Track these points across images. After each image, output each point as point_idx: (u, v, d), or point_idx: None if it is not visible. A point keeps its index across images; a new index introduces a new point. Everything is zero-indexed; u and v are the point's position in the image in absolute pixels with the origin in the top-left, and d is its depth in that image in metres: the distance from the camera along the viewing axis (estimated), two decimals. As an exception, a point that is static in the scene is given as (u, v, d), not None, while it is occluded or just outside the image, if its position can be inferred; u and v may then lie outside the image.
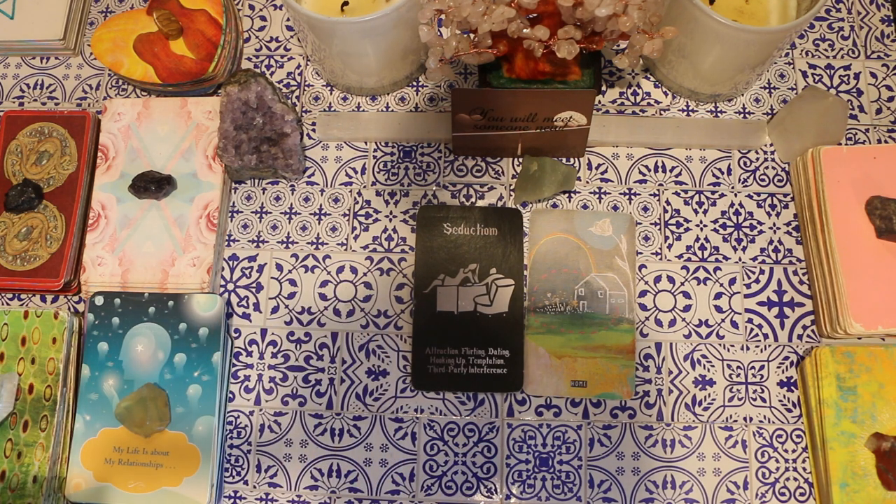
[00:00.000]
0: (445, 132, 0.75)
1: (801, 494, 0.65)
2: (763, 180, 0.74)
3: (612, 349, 0.68)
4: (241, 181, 0.76)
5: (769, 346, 0.69)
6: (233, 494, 0.67)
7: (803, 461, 0.66)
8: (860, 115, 0.76)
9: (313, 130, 0.77)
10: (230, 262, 0.73)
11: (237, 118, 0.71)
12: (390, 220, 0.74)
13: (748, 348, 0.69)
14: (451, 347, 0.68)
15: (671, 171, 0.74)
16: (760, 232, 0.72)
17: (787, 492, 0.65)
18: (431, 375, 0.68)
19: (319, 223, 0.74)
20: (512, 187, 0.74)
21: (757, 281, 0.71)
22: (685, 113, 0.76)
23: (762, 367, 0.68)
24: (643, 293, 0.71)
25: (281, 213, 0.74)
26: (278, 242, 0.73)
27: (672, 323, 0.70)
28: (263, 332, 0.71)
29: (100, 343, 0.67)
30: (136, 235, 0.71)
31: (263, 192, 0.75)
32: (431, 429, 0.68)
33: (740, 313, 0.70)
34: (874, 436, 0.63)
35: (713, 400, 0.68)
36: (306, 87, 0.79)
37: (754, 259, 0.71)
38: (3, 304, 0.74)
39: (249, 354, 0.70)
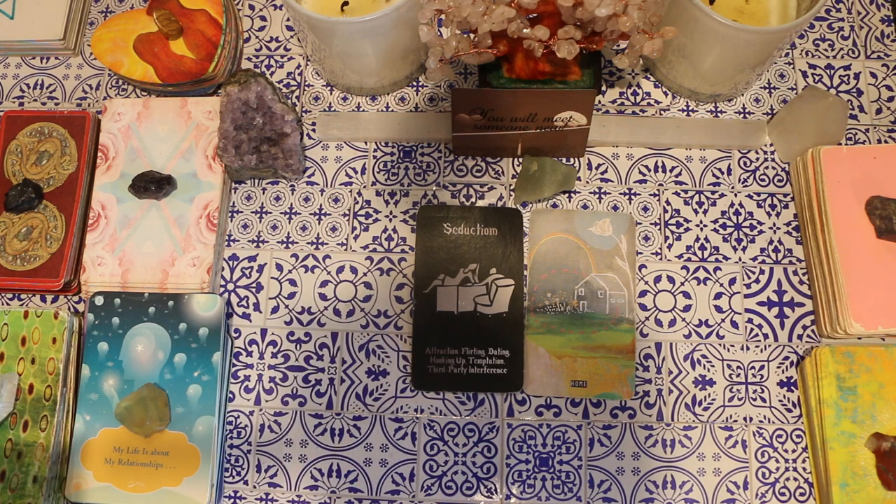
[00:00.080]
0: (445, 132, 0.75)
1: (801, 494, 0.65)
2: (763, 180, 0.74)
3: (612, 349, 0.68)
4: (241, 181, 0.75)
5: (769, 346, 0.69)
6: (233, 494, 0.67)
7: (803, 461, 0.66)
8: (860, 115, 0.76)
9: (313, 130, 0.77)
10: (230, 262, 0.73)
11: (237, 118, 0.71)
12: (390, 220, 0.74)
13: (748, 348, 0.69)
14: (451, 347, 0.68)
15: (671, 171, 0.74)
16: (760, 232, 0.72)
17: (787, 492, 0.65)
18: (431, 375, 0.68)
19: (319, 223, 0.74)
20: (512, 187, 0.74)
21: (757, 281, 0.71)
22: (685, 113, 0.76)
23: (762, 368, 0.68)
24: (643, 293, 0.70)
25: (281, 213, 0.74)
26: (278, 242, 0.73)
27: (672, 323, 0.70)
28: (263, 332, 0.71)
29: (100, 343, 0.67)
30: (136, 235, 0.71)
31: (263, 192, 0.75)
32: (431, 429, 0.68)
33: (740, 313, 0.70)
34: (874, 436, 0.63)
35: (713, 400, 0.68)
36: (306, 87, 0.79)
37: (754, 259, 0.71)
38: (3, 304, 0.74)
39: (249, 354, 0.70)
